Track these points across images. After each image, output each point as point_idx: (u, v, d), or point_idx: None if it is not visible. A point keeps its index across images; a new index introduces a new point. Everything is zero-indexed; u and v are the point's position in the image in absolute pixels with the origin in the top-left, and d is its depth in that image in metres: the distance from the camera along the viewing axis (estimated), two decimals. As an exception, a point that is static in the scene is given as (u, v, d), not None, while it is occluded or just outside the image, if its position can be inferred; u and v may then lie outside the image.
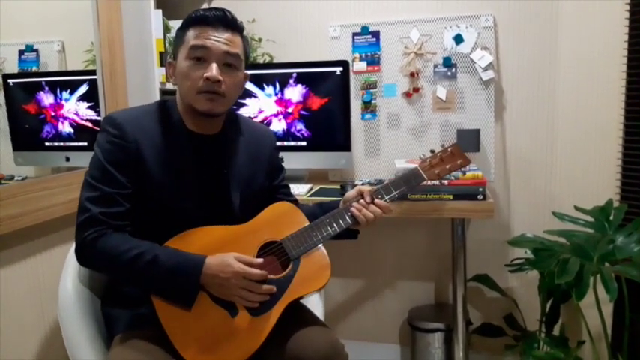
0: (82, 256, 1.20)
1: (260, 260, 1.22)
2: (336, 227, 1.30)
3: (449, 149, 1.43)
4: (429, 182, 1.41)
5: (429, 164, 1.42)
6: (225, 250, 1.21)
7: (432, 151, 1.44)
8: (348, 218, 1.32)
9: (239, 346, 1.17)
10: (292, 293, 1.23)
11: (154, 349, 1.16)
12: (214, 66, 1.22)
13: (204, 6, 2.31)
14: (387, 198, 1.36)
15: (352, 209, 1.32)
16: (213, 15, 1.24)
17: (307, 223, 1.32)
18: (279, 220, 1.32)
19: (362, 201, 1.33)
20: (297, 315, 1.29)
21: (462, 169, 1.43)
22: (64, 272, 1.33)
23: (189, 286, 1.17)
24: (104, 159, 1.20)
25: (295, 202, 1.47)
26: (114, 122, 1.22)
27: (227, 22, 1.25)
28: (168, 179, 1.24)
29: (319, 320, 1.34)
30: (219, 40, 1.23)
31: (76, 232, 1.19)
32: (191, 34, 1.24)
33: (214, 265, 1.17)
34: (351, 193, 1.37)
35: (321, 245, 1.30)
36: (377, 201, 1.33)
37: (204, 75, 1.22)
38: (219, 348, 1.16)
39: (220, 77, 1.22)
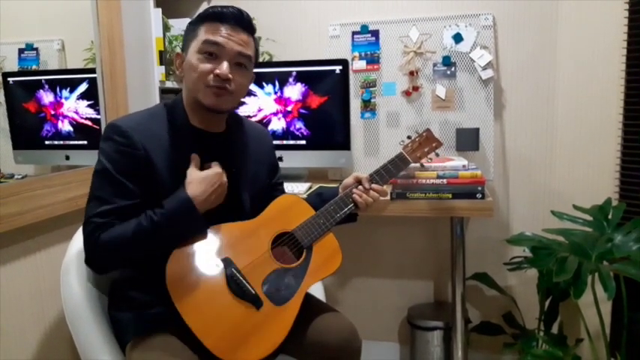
0: (94, 260, 1.19)
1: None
2: (341, 213, 1.39)
3: (424, 134, 1.57)
4: (412, 164, 1.54)
5: (411, 148, 1.54)
6: (241, 246, 1.25)
7: (409, 137, 1.57)
8: (350, 204, 1.40)
9: (268, 336, 1.19)
10: (310, 279, 1.29)
11: (178, 349, 1.15)
12: (225, 64, 1.22)
13: (204, 5, 2.32)
14: (381, 182, 1.45)
15: (354, 195, 1.40)
16: (230, 13, 1.23)
17: (313, 213, 1.38)
18: (287, 212, 1.37)
19: (360, 187, 1.42)
20: (309, 303, 1.33)
21: (436, 152, 1.57)
22: (66, 273, 1.31)
23: (193, 218, 1.19)
24: (114, 169, 1.18)
25: None
26: (119, 130, 1.19)
27: (243, 21, 1.25)
28: (179, 183, 1.23)
29: (331, 307, 1.39)
30: (233, 38, 1.23)
31: (84, 246, 1.18)
32: (205, 28, 1.23)
33: (195, 187, 1.20)
34: (348, 180, 1.45)
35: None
36: (374, 186, 1.43)
37: (215, 71, 1.21)
38: (249, 341, 1.18)
39: (230, 75, 1.22)
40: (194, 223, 1.20)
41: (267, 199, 1.40)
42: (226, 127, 1.37)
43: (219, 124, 1.34)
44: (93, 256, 1.18)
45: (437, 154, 1.58)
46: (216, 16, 1.23)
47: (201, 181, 1.21)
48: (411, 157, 1.51)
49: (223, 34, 1.22)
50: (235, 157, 1.36)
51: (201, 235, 1.23)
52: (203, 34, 1.23)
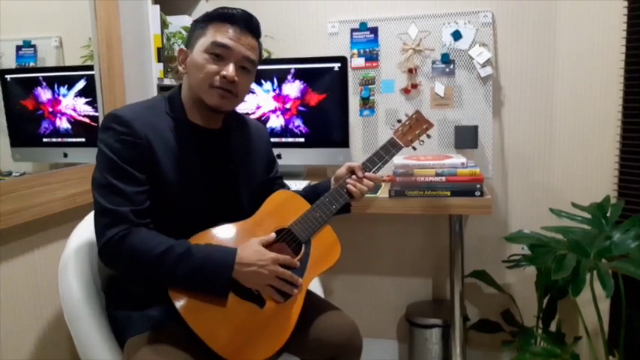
0: (107, 257, 1.15)
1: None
2: (337, 205, 1.37)
3: (413, 116, 1.54)
4: (404, 148, 1.51)
5: (401, 132, 1.51)
6: (240, 246, 1.22)
7: (399, 121, 1.55)
8: (345, 194, 1.39)
9: (273, 334, 1.19)
10: (311, 273, 1.29)
11: (178, 348, 1.14)
12: (232, 66, 1.22)
13: (203, 2, 2.31)
14: (373, 169, 1.44)
15: (348, 185, 1.39)
16: (240, 16, 1.24)
17: (308, 207, 1.36)
18: (281, 208, 1.36)
19: (354, 176, 1.41)
20: (311, 301, 1.33)
21: (428, 133, 1.55)
22: (64, 271, 1.30)
23: (223, 276, 1.15)
24: (118, 157, 1.15)
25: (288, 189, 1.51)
26: (120, 120, 1.18)
27: (252, 26, 1.26)
28: (180, 176, 1.23)
29: (333, 305, 1.39)
30: (241, 42, 1.23)
31: (97, 235, 1.14)
32: (214, 29, 1.23)
33: (249, 254, 1.18)
34: (341, 170, 1.44)
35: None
36: (367, 174, 1.42)
37: (222, 73, 1.22)
38: (255, 340, 1.17)
39: (236, 78, 1.23)
40: (220, 277, 1.16)
41: (266, 194, 1.40)
42: (223, 123, 1.37)
43: (216, 121, 1.34)
44: (107, 253, 1.14)
45: (429, 136, 1.56)
46: (225, 18, 1.23)
47: (256, 252, 1.19)
48: (402, 140, 1.49)
49: (232, 37, 1.22)
50: (233, 153, 1.36)
51: (218, 294, 1.17)
52: (211, 34, 1.23)
